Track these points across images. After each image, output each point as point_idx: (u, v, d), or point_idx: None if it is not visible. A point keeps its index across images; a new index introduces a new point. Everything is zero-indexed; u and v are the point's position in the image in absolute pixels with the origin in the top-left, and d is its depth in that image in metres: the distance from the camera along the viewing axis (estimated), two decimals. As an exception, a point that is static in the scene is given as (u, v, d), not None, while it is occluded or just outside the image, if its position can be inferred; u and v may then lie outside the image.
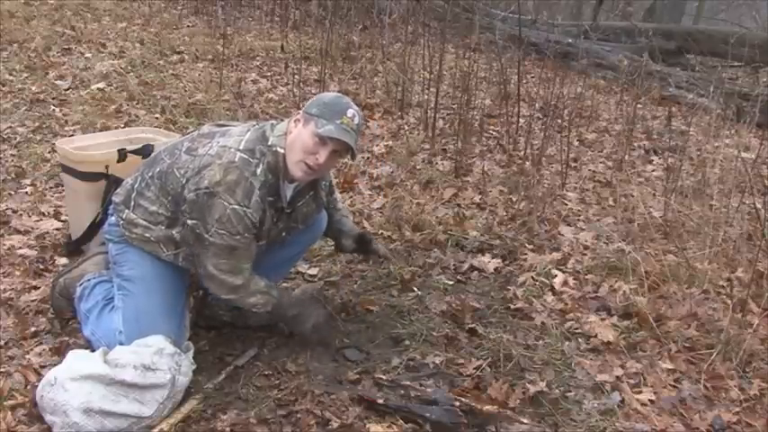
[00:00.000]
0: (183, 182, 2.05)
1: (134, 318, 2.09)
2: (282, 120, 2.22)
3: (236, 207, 1.99)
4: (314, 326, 2.23)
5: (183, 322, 2.20)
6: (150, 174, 2.15)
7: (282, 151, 2.07)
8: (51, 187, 3.39)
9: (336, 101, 2.11)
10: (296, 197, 2.19)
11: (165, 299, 2.15)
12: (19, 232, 2.94)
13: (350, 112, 2.06)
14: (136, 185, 2.17)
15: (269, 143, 2.08)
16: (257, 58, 6.18)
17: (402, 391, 2.10)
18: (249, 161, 2.03)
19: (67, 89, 4.83)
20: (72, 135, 3.83)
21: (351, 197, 3.61)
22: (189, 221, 2.02)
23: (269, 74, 5.76)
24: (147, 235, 2.13)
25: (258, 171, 2.03)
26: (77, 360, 1.95)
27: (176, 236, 2.12)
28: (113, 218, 2.23)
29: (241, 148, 2.04)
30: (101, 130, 3.87)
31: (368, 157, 4.16)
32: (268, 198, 2.07)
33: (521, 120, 4.75)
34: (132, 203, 2.16)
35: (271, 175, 2.06)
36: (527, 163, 4.21)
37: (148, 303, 2.11)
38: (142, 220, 2.13)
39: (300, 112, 2.10)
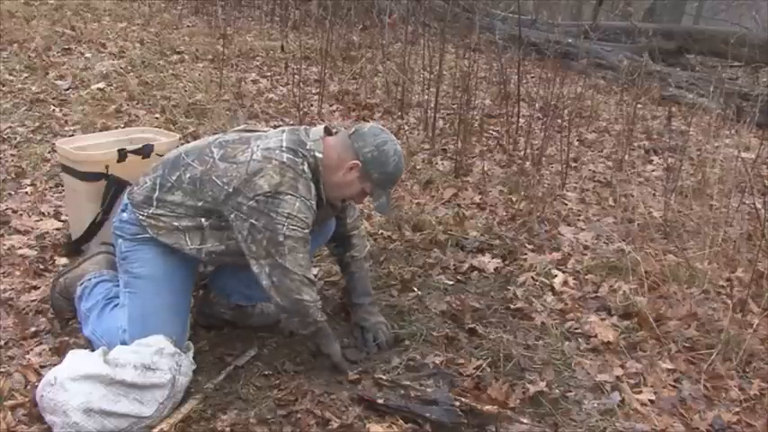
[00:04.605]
0: (229, 190, 2.03)
1: (140, 316, 2.08)
2: (307, 125, 2.24)
3: (304, 199, 2.03)
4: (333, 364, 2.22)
5: (187, 323, 2.19)
6: (175, 178, 2.12)
7: (321, 156, 2.10)
8: (51, 187, 3.38)
9: (396, 171, 2.17)
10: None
11: (172, 299, 2.13)
12: (19, 232, 2.94)
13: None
14: (156, 188, 2.14)
15: (307, 147, 2.10)
16: (257, 58, 6.18)
17: (402, 391, 2.10)
18: (295, 160, 2.06)
19: (67, 89, 4.82)
20: (72, 135, 3.83)
21: (351, 197, 3.61)
22: (257, 223, 2.01)
23: (269, 74, 5.76)
24: (175, 223, 2.10)
25: (305, 169, 2.07)
26: (77, 360, 1.95)
27: (205, 224, 2.10)
28: (125, 215, 2.18)
29: (284, 147, 2.07)
30: (101, 130, 3.87)
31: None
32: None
33: (521, 120, 4.75)
34: (155, 203, 2.13)
35: (312, 174, 2.09)
36: (527, 163, 4.20)
37: (156, 303, 2.10)
38: (169, 212, 2.11)
39: (358, 162, 2.10)
